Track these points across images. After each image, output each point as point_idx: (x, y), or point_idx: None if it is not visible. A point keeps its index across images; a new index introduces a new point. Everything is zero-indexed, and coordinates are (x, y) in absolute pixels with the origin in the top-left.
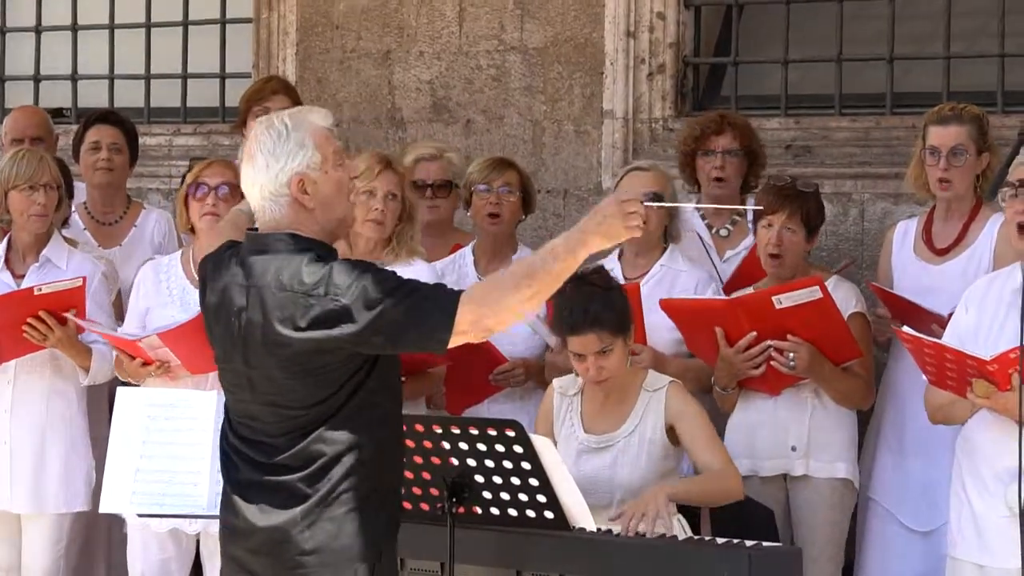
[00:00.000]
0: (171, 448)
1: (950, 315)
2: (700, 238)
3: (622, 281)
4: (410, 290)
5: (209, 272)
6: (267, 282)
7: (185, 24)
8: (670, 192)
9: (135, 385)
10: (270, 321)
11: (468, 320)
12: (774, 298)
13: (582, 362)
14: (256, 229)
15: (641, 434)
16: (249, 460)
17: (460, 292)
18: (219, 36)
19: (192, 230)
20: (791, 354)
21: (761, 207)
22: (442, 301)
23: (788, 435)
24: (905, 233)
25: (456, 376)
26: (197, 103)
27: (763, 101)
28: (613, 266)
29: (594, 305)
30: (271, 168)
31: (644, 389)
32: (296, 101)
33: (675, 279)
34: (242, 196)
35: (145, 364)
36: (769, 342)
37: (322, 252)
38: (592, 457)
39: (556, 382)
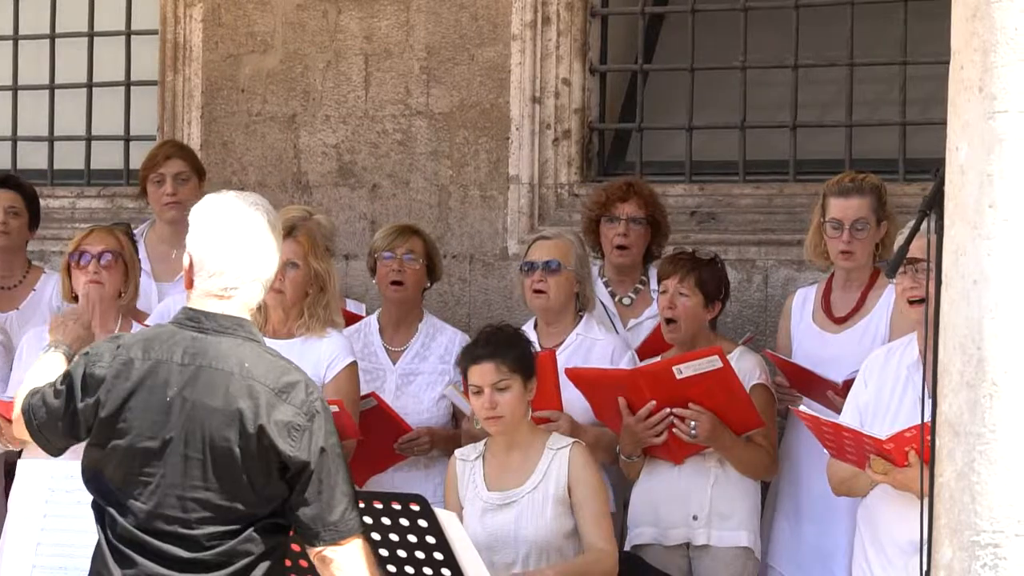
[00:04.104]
0: (74, 521)
1: (845, 382)
2: (604, 306)
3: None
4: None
5: (130, 347)
6: (231, 367)
7: (90, 86)
8: (575, 259)
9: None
10: (233, 405)
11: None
12: (674, 368)
13: (479, 397)
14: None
15: (544, 490)
16: (156, 553)
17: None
18: (124, 98)
19: (75, 298)
20: (692, 422)
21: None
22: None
23: (690, 504)
24: (804, 302)
25: (361, 445)
26: (101, 165)
27: (668, 167)
28: (530, 336)
29: (497, 341)
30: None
31: (548, 447)
32: (193, 163)
33: (591, 348)
34: (123, 263)
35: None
36: (670, 410)
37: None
38: (496, 514)
39: (457, 452)
